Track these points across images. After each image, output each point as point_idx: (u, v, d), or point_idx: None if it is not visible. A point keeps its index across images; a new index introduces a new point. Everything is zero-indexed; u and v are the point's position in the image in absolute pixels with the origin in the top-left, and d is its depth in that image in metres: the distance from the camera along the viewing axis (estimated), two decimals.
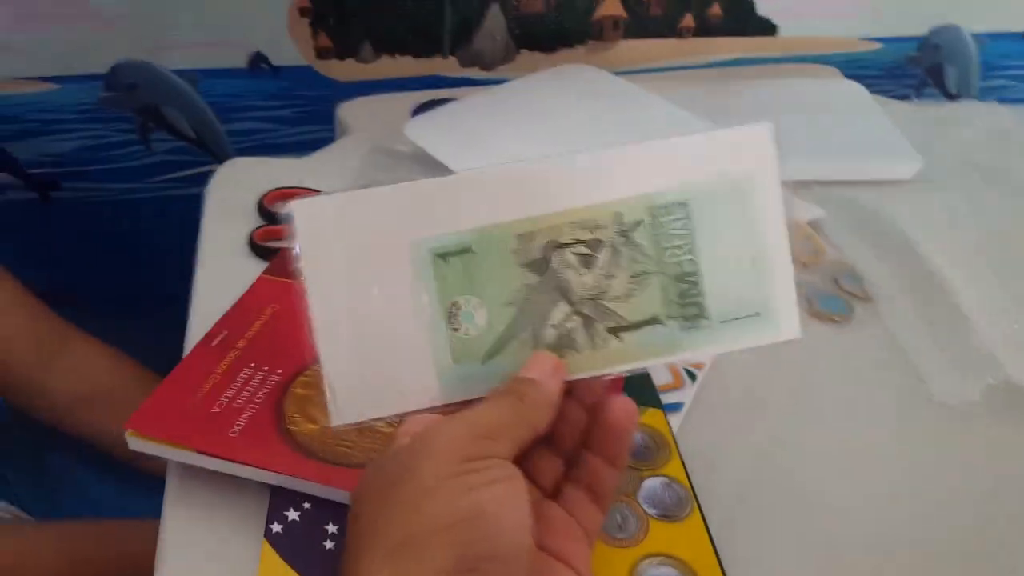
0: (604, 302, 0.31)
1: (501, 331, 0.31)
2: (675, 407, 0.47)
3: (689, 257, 0.31)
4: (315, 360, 0.31)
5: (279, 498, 0.42)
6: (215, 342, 0.48)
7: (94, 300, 0.89)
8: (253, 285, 0.52)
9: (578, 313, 0.31)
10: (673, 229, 0.31)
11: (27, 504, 0.59)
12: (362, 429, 0.43)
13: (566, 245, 0.31)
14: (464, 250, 0.31)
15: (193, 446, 0.42)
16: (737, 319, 0.31)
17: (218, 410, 0.44)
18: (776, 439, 0.47)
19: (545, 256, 0.31)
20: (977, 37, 0.87)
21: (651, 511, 0.41)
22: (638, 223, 0.31)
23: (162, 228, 0.66)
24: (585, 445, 0.32)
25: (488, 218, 0.31)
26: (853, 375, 0.51)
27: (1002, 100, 0.72)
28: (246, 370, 0.46)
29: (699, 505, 0.42)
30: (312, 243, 0.31)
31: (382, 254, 0.31)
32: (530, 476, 0.31)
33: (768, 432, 0.47)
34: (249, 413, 0.44)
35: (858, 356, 0.52)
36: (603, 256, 0.31)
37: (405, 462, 0.28)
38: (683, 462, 0.44)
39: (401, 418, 0.31)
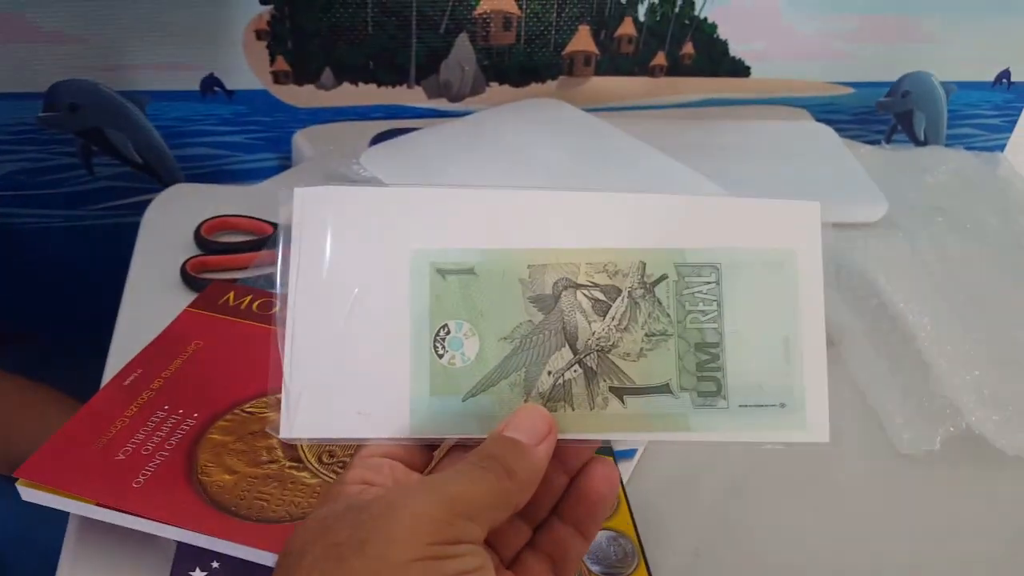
0: (612, 357, 0.28)
1: (491, 368, 0.28)
2: (627, 454, 0.45)
3: (713, 326, 0.28)
4: (276, 362, 0.28)
5: (184, 556, 0.39)
6: (127, 381, 0.44)
7: (31, 332, 0.85)
8: (177, 318, 0.49)
9: (581, 363, 0.28)
10: (699, 292, 0.28)
11: None
12: (283, 481, 0.39)
13: (580, 286, 0.28)
14: (465, 270, 0.28)
15: (90, 497, 0.38)
16: (759, 407, 0.28)
17: (123, 457, 0.40)
18: (734, 488, 0.45)
19: (555, 294, 0.28)
20: (946, 85, 0.87)
21: (594, 568, 0.39)
22: (662, 278, 0.28)
23: (104, 257, 0.62)
24: (554, 510, 0.29)
25: (499, 240, 0.28)
26: None
27: (969, 148, 0.72)
28: (159, 413, 0.42)
29: (646, 562, 0.39)
30: (307, 234, 0.28)
31: (380, 257, 0.28)
32: (491, 545, 0.28)
33: (725, 481, 0.45)
34: (158, 461, 0.40)
35: None
36: (618, 306, 0.28)
37: (364, 528, 0.23)
38: (632, 515, 0.41)
39: (357, 446, 0.27)
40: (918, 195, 0.65)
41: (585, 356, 0.28)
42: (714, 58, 0.81)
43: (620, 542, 0.40)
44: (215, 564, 0.38)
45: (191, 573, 0.38)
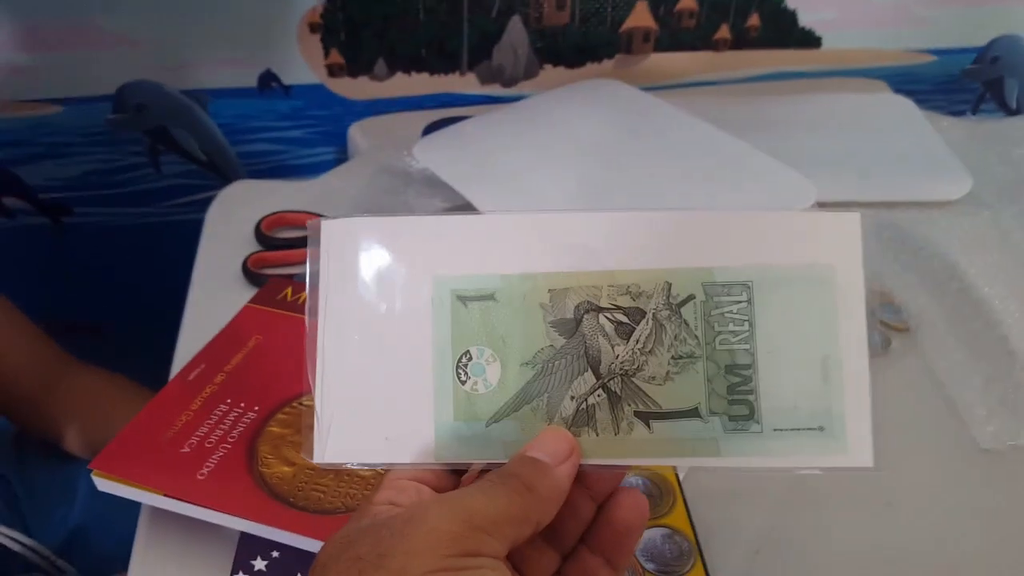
0: (636, 380, 0.27)
1: (514, 393, 0.28)
2: None
3: (745, 347, 0.27)
4: (307, 390, 0.28)
5: (246, 545, 0.40)
6: (192, 376, 0.45)
7: (107, 326, 0.89)
8: (238, 314, 0.50)
9: (604, 388, 0.27)
10: (729, 312, 0.27)
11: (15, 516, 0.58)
12: (339, 473, 0.40)
13: (602, 309, 0.28)
14: (486, 296, 0.28)
15: (158, 488, 0.39)
16: (795, 430, 0.27)
17: (188, 450, 0.41)
18: (797, 483, 0.43)
19: (576, 317, 0.28)
20: None
21: (648, 566, 0.38)
22: (689, 298, 0.27)
23: (173, 253, 0.64)
24: (583, 539, 0.29)
25: (519, 265, 0.28)
26: (887, 414, 0.46)
27: None
28: (221, 406, 0.43)
29: (703, 560, 0.38)
30: (335, 265, 0.29)
31: (403, 286, 0.28)
32: (519, 571, 0.27)
33: (788, 477, 0.43)
34: (221, 453, 0.41)
35: (893, 393, 0.48)
36: (643, 328, 0.27)
37: (384, 542, 0.24)
38: (688, 511, 0.40)
39: (386, 470, 0.28)
40: (1006, 170, 0.61)
41: (608, 380, 0.27)
42: (782, 29, 0.77)
43: (676, 539, 0.38)
44: (275, 553, 0.39)
45: (252, 562, 0.39)
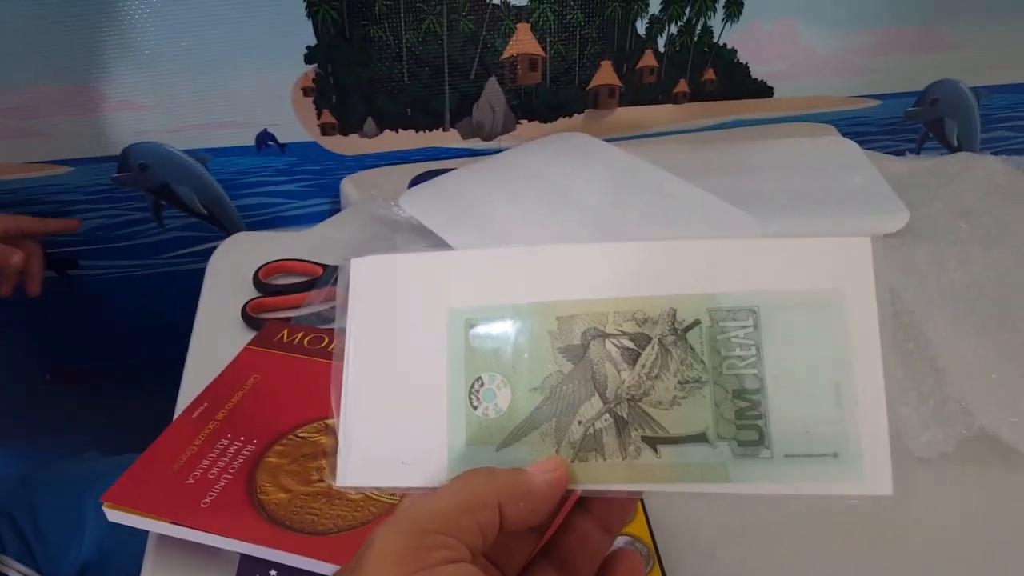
0: (643, 405, 0.27)
1: (523, 418, 0.28)
2: None
3: (752, 372, 0.27)
4: (334, 416, 0.30)
5: (246, 566, 0.43)
6: (196, 414, 0.49)
7: (115, 372, 0.93)
8: (238, 356, 0.54)
9: (611, 413, 0.28)
10: (735, 336, 0.27)
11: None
12: (330, 497, 0.43)
13: (609, 335, 0.28)
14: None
15: (165, 516, 0.43)
16: (807, 456, 0.26)
17: (192, 481, 0.44)
18: (751, 497, 0.46)
19: (583, 343, 0.28)
20: (976, 90, 0.87)
21: None
22: (694, 323, 0.27)
23: (176, 302, 0.68)
24: None
25: (529, 295, 0.29)
26: None
27: (1005, 150, 0.71)
28: (223, 440, 0.47)
29: (661, 564, 0.41)
30: (362, 299, 0.30)
31: (421, 317, 0.30)
32: None
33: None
34: (222, 483, 0.44)
35: None
36: (648, 353, 0.28)
37: None
38: (648, 520, 0.43)
39: (404, 493, 0.29)
40: (943, 204, 0.65)
41: (615, 405, 0.28)
42: (736, 82, 0.83)
43: (636, 547, 0.42)
44: (273, 572, 0.42)
45: None
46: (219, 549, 0.42)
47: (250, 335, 0.57)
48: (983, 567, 0.44)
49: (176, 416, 0.50)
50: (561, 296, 0.29)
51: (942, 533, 0.45)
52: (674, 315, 0.28)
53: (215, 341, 0.60)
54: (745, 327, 0.27)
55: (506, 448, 0.28)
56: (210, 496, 0.43)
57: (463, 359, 0.29)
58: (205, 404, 0.49)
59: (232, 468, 0.45)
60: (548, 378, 0.28)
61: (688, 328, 0.27)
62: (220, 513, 0.43)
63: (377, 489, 0.31)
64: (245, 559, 0.43)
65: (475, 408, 0.29)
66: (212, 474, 0.45)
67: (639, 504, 0.44)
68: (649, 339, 0.28)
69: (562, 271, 0.29)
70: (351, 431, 0.30)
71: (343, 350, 0.30)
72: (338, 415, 0.30)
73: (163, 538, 0.44)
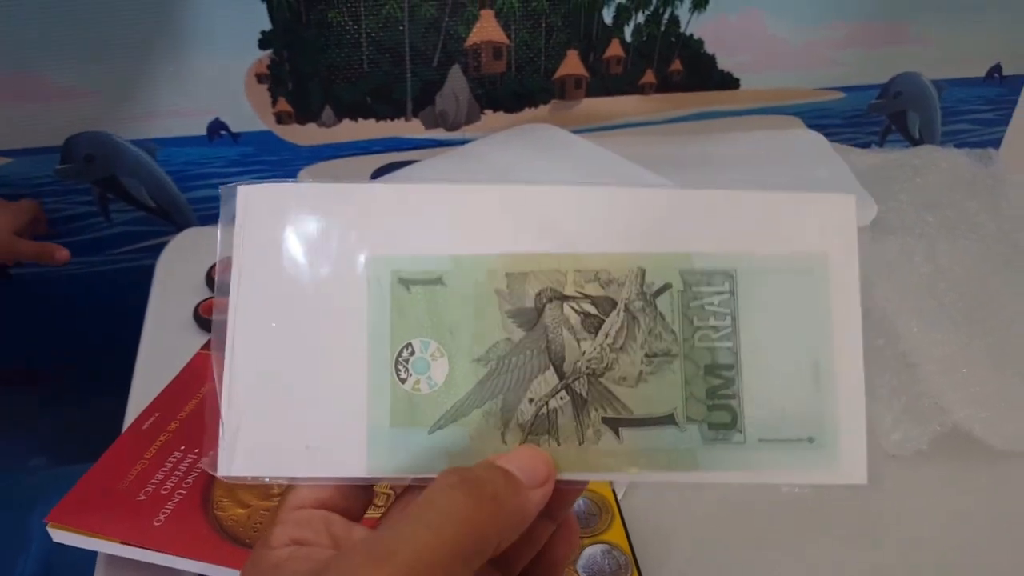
0: (605, 382, 0.24)
1: (463, 394, 0.24)
2: None
3: (727, 345, 0.24)
4: (213, 387, 0.24)
5: None
6: (146, 424, 0.46)
7: (56, 377, 0.88)
8: (190, 361, 0.51)
9: (568, 389, 0.24)
10: (710, 304, 0.24)
11: None
12: None
13: (567, 298, 0.24)
14: (433, 280, 0.24)
15: (115, 536, 0.40)
16: (782, 441, 0.24)
17: (144, 498, 0.42)
18: (726, 502, 0.46)
19: (538, 307, 0.24)
20: (937, 83, 0.88)
21: None
22: (665, 287, 0.24)
23: (125, 300, 0.65)
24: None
25: (472, 245, 0.24)
26: None
27: (965, 143, 0.72)
28: (176, 453, 0.45)
29: (639, 572, 0.40)
30: (252, 238, 0.24)
31: (333, 265, 0.24)
32: None
33: (719, 495, 0.46)
34: (176, 499, 0.42)
35: None
36: (613, 321, 0.24)
37: None
38: (626, 527, 0.42)
39: (280, 496, 0.24)
40: (909, 196, 0.66)
41: (573, 381, 0.24)
42: (702, 73, 0.83)
43: (614, 554, 0.41)
44: None
45: None
46: (175, 569, 0.40)
47: (203, 337, 0.55)
48: (959, 563, 0.44)
49: (125, 426, 0.47)
50: (512, 248, 0.24)
51: (918, 531, 0.45)
52: (643, 276, 0.24)
53: (166, 345, 0.57)
54: (721, 293, 0.24)
55: (440, 430, 0.23)
56: (163, 513, 0.41)
57: (388, 321, 0.24)
58: (156, 414, 0.47)
59: (186, 483, 0.43)
60: (494, 347, 0.24)
61: (658, 292, 0.24)
62: (174, 531, 0.41)
63: (274, 480, 0.24)
64: None
65: (403, 381, 0.24)
66: (165, 490, 0.43)
67: (617, 514, 0.43)
68: (614, 304, 0.24)
69: (513, 217, 0.24)
70: (237, 407, 0.24)
71: (226, 303, 0.24)
72: (220, 387, 0.24)
73: (114, 558, 0.42)
